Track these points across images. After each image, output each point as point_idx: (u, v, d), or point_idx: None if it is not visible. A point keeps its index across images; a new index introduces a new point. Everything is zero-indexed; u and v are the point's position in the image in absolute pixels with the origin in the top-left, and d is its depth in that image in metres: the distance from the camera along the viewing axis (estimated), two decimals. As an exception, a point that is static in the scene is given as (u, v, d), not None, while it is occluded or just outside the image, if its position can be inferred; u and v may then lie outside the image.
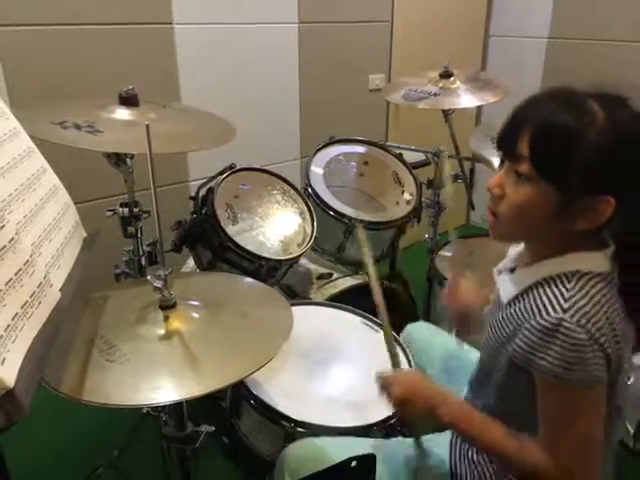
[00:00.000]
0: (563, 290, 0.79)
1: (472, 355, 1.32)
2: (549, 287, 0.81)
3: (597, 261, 0.82)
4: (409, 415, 0.99)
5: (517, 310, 0.85)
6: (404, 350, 1.38)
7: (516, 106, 0.83)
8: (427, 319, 2.05)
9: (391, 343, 1.09)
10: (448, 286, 1.23)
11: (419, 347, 1.38)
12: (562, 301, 0.78)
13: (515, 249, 0.98)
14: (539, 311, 0.79)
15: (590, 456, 0.80)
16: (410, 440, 1.06)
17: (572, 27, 2.80)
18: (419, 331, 1.44)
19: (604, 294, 0.79)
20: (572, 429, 0.79)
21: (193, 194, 1.58)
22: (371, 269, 1.12)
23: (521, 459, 0.84)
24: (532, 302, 0.82)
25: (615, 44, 2.64)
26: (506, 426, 0.87)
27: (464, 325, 1.20)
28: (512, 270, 0.95)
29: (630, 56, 2.59)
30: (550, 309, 0.78)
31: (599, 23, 2.68)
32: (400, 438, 1.13)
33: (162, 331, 0.90)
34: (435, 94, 1.81)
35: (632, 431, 1.51)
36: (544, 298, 0.80)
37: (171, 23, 2.03)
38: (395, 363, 1.06)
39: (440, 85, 1.84)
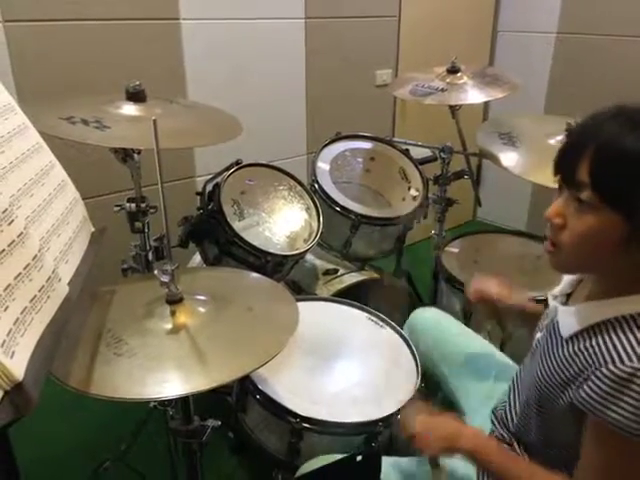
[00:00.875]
0: (638, 335, 0.73)
1: (490, 350, 1.32)
2: (622, 330, 0.75)
3: None
4: (429, 448, 0.93)
5: (582, 350, 0.79)
6: (405, 339, 1.38)
7: (573, 127, 0.78)
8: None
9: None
10: (473, 285, 1.20)
11: (426, 328, 1.37)
12: (637, 348, 0.72)
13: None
14: (612, 358, 0.73)
15: None
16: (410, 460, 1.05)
17: (581, 22, 2.78)
18: (430, 316, 1.43)
19: None
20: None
21: (200, 190, 1.58)
22: None
23: None
24: (602, 346, 0.76)
25: (624, 39, 2.62)
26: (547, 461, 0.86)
27: (494, 316, 1.18)
28: (568, 296, 0.91)
29: (637, 51, 2.57)
30: (625, 357, 0.72)
31: (608, 18, 2.66)
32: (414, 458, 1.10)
33: (169, 325, 0.91)
34: (442, 90, 1.80)
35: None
36: (617, 343, 0.74)
37: (178, 18, 2.03)
38: None
39: (447, 81, 1.83)
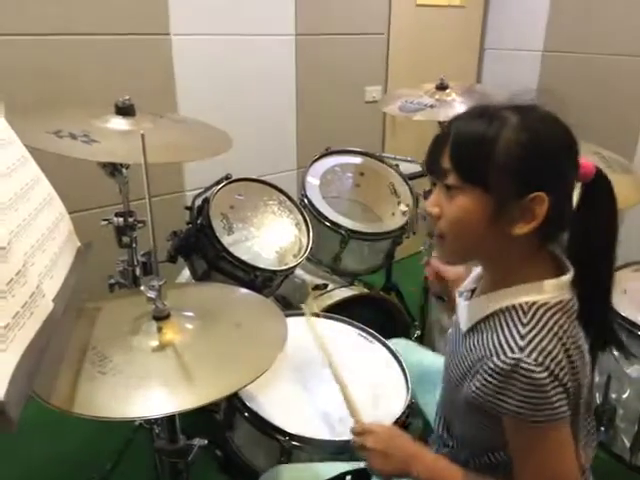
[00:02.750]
0: (519, 326, 0.77)
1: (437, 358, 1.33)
2: (505, 321, 0.80)
3: (554, 290, 0.80)
4: (380, 469, 0.92)
5: (475, 343, 0.83)
6: (395, 355, 1.38)
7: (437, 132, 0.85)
8: (422, 330, 2.05)
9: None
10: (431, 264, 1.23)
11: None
12: (518, 339, 0.76)
13: (476, 270, 0.96)
14: (496, 351, 0.77)
15: None
16: None
17: (566, 40, 2.83)
18: (404, 348, 1.44)
19: (561, 325, 0.77)
20: (547, 467, 0.78)
21: (189, 204, 1.57)
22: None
23: None
24: (489, 339, 0.80)
25: (608, 57, 2.67)
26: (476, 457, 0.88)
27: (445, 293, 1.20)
28: (472, 292, 0.94)
29: (623, 69, 2.62)
30: (507, 348, 0.76)
31: (593, 37, 2.71)
32: None
33: (155, 342, 0.89)
34: (431, 106, 1.82)
35: (628, 445, 1.51)
36: (500, 335, 0.78)
37: (168, 34, 2.03)
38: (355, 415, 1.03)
39: (436, 97, 1.85)
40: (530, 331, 0.76)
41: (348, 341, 1.46)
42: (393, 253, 1.96)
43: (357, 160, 2.01)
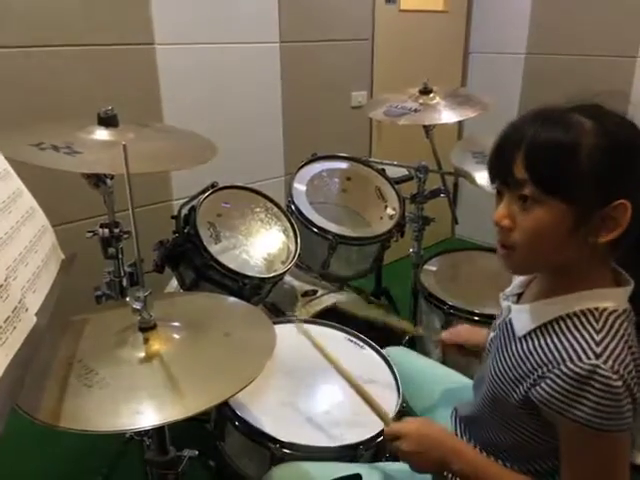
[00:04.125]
0: (592, 332, 0.75)
1: (455, 378, 1.33)
2: (575, 326, 0.77)
3: (621, 297, 0.79)
4: (420, 468, 0.92)
5: (537, 347, 0.80)
6: (385, 359, 1.38)
7: (499, 135, 0.81)
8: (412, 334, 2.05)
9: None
10: (450, 333, 1.23)
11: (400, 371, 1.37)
12: (593, 345, 0.74)
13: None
14: (569, 356, 0.74)
15: None
16: (397, 467, 1.04)
17: (549, 43, 2.87)
18: (398, 355, 1.44)
19: (630, 333, 0.76)
20: (604, 476, 0.77)
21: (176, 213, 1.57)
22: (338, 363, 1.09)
23: None
24: (558, 344, 0.77)
25: (589, 58, 2.71)
26: (511, 459, 0.87)
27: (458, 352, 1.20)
28: (519, 296, 0.92)
29: (604, 70, 2.66)
30: (582, 354, 0.74)
31: (575, 38, 2.75)
32: (388, 464, 1.11)
33: (142, 354, 0.89)
34: (416, 110, 1.83)
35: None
36: (572, 340, 0.76)
37: (152, 43, 2.03)
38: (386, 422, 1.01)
39: (420, 101, 1.86)
40: (605, 337, 0.74)
41: (338, 346, 1.46)
42: (382, 257, 1.97)
43: (344, 165, 2.01)
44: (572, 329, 0.77)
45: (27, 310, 0.76)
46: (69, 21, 1.83)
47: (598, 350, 0.73)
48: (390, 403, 1.24)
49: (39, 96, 1.81)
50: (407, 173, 2.09)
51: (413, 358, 1.44)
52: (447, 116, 1.80)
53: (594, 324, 0.76)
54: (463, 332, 1.20)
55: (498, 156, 0.81)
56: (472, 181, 1.73)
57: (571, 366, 0.74)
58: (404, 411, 1.23)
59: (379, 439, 1.13)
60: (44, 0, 1.76)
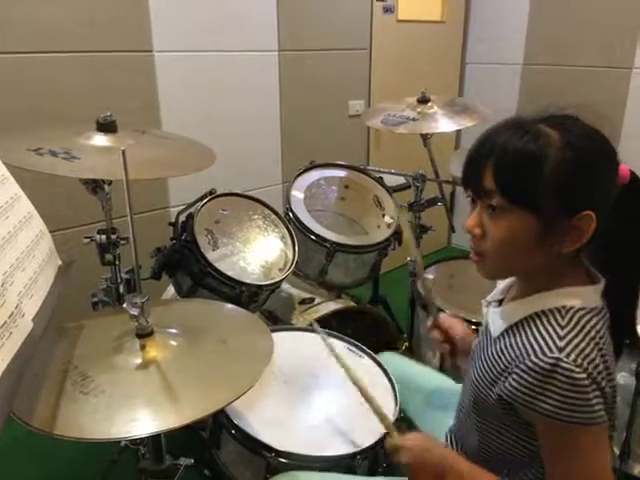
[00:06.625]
0: (557, 327, 0.77)
1: (449, 384, 1.32)
2: (542, 323, 0.79)
3: (589, 296, 0.80)
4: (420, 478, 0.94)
5: (508, 345, 0.82)
6: (383, 369, 1.37)
7: (471, 146, 0.83)
8: (410, 342, 2.04)
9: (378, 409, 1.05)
10: (441, 320, 1.19)
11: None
12: (557, 339, 0.75)
13: (504, 281, 0.96)
14: (534, 350, 0.76)
15: None
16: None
17: (545, 54, 2.89)
18: (392, 361, 1.43)
19: (597, 330, 0.77)
20: (584, 472, 0.77)
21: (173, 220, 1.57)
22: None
23: None
24: (525, 339, 0.79)
25: (585, 69, 2.73)
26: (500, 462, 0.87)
27: (450, 350, 1.19)
28: (500, 302, 0.94)
29: (600, 81, 2.68)
30: (545, 348, 0.75)
31: (572, 49, 2.77)
32: (386, 478, 1.10)
33: (139, 360, 0.88)
34: (413, 119, 1.84)
35: (618, 452, 1.51)
36: (537, 336, 0.78)
37: (151, 51, 2.04)
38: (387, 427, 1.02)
39: (418, 110, 1.87)
40: (569, 333, 0.76)
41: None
42: (379, 265, 1.96)
43: (341, 173, 2.02)
44: (539, 326, 0.79)
45: (24, 315, 0.75)
46: (69, 28, 1.83)
47: (561, 344, 0.75)
48: (388, 412, 1.23)
49: (38, 101, 1.81)
50: (405, 181, 2.10)
51: (407, 364, 1.44)
52: (445, 125, 1.81)
53: (560, 321, 0.78)
54: (460, 328, 1.17)
55: (470, 165, 0.83)
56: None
57: (535, 360, 0.75)
58: (401, 420, 1.23)
59: (376, 448, 1.13)
60: (44, 7, 1.77)
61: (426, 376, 1.37)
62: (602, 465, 0.77)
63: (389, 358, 1.45)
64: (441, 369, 1.44)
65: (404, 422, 1.26)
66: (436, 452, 0.93)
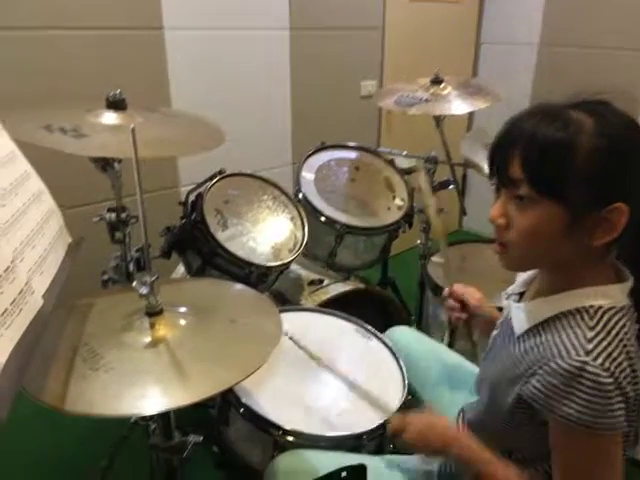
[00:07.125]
0: (585, 329, 0.74)
1: (460, 362, 1.32)
2: (569, 324, 0.76)
3: (618, 294, 0.77)
4: (421, 452, 0.97)
5: (532, 347, 0.80)
6: (392, 351, 1.37)
7: (498, 132, 0.80)
8: (419, 324, 2.04)
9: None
10: (455, 287, 1.19)
11: (400, 347, 1.38)
12: (585, 342, 0.73)
13: (526, 273, 0.94)
14: (559, 352, 0.74)
15: None
16: (402, 458, 1.06)
17: (562, 34, 2.82)
18: (402, 334, 1.43)
19: (626, 331, 0.75)
20: (595, 477, 0.76)
21: (183, 200, 1.56)
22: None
23: None
24: (551, 340, 0.77)
25: (604, 52, 2.66)
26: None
27: (465, 320, 1.18)
28: (521, 295, 0.92)
29: (619, 63, 2.61)
30: (572, 351, 0.73)
31: (589, 30, 2.70)
32: (394, 456, 1.11)
33: (148, 338, 0.88)
34: (426, 100, 1.81)
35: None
36: (564, 337, 0.75)
37: (161, 28, 2.01)
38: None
39: (431, 91, 1.84)
40: (597, 335, 0.73)
41: (345, 336, 1.46)
42: (389, 248, 1.95)
43: (352, 155, 2.00)
44: (566, 327, 0.77)
45: (33, 292, 0.75)
46: (79, 4, 1.81)
47: (589, 347, 0.72)
48: (395, 396, 1.24)
49: (47, 79, 1.80)
50: (416, 163, 2.07)
51: (418, 339, 1.42)
52: (458, 107, 1.78)
53: (588, 322, 0.75)
54: (476, 295, 1.16)
55: (496, 154, 0.80)
56: (482, 173, 1.71)
57: (560, 362, 0.73)
58: (410, 403, 1.23)
59: (382, 430, 1.13)
60: (53, -18, 1.75)
61: (437, 353, 1.36)
62: (613, 470, 0.75)
63: (400, 333, 1.44)
64: (451, 347, 1.43)
65: (412, 399, 1.26)
66: (439, 427, 0.94)
